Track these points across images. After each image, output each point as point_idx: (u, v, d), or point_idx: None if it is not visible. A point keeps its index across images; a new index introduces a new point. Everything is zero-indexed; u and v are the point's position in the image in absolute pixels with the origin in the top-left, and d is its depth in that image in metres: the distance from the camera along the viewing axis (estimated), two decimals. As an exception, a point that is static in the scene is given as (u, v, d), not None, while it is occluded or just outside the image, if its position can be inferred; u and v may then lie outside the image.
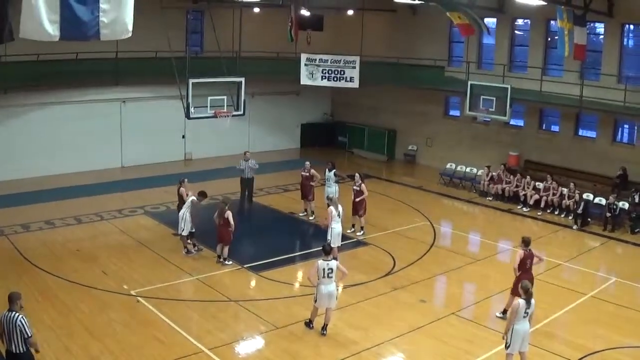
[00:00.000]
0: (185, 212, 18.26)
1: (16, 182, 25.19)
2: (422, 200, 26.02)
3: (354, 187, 20.84)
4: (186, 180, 19.70)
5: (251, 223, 23.43)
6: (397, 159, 33.97)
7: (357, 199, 20.65)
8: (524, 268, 14.47)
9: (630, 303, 16.11)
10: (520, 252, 14.58)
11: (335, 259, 14.64)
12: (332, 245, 17.25)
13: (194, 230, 18.52)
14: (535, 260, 14.66)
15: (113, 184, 26.56)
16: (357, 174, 21.16)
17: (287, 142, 35.52)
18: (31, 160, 26.26)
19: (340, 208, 18.43)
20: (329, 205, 18.53)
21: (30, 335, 10.06)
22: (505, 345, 11.84)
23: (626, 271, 18.50)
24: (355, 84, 28.34)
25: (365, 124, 35.00)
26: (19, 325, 9.94)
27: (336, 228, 17.98)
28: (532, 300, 11.74)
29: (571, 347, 13.63)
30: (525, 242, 14.63)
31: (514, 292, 14.62)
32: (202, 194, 18.56)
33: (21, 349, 10.03)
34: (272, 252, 19.03)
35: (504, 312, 14.86)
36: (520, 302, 11.63)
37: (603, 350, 13.52)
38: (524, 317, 11.71)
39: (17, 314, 10.04)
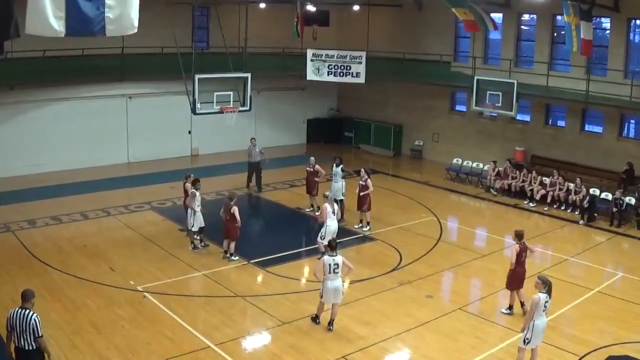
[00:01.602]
0: (193, 208, 18.26)
1: (22, 178, 25.31)
2: (429, 195, 25.99)
3: (360, 182, 20.85)
4: (192, 175, 19.70)
5: (258, 218, 23.54)
6: (403, 154, 33.94)
7: (362, 194, 20.66)
8: (519, 261, 14.71)
9: (637, 298, 16.05)
10: (515, 246, 14.73)
11: (323, 253, 14.62)
12: (323, 242, 17.21)
13: (203, 225, 18.55)
14: (528, 253, 14.85)
15: (119, 179, 26.63)
16: (362, 169, 21.17)
17: (293, 138, 35.49)
18: (37, 156, 26.41)
19: (335, 206, 18.46)
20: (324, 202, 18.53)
21: (41, 335, 10.08)
22: (524, 341, 11.75)
23: (633, 266, 18.45)
24: (362, 80, 28.26)
25: (372, 120, 34.95)
26: (32, 324, 9.96)
27: (331, 225, 17.88)
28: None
29: (577, 342, 13.60)
30: (519, 236, 14.78)
31: (510, 287, 14.87)
32: (195, 182, 18.61)
33: (32, 346, 10.06)
34: (278, 248, 19.02)
35: (510, 307, 14.90)
36: (540, 296, 11.54)
37: (609, 345, 13.49)
38: (543, 311, 11.68)
39: (32, 312, 10.07)
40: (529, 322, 11.64)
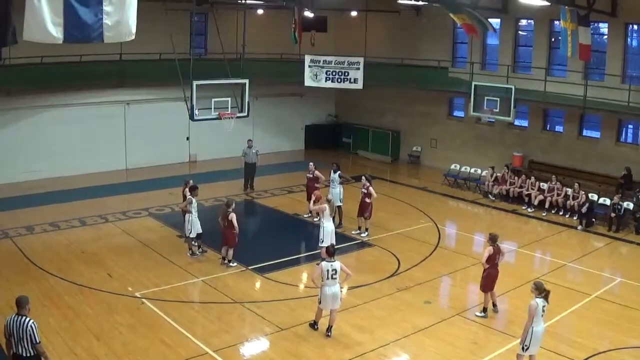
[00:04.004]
0: (191, 214, 18.25)
1: (20, 185, 25.30)
2: (427, 201, 26.00)
3: (362, 190, 20.78)
4: (191, 181, 19.67)
5: (256, 224, 23.52)
6: (401, 160, 33.94)
7: (367, 200, 20.59)
8: (492, 263, 14.96)
9: (635, 303, 16.06)
10: (489, 248, 14.98)
11: (323, 259, 14.65)
12: (323, 245, 17.30)
13: (201, 231, 18.53)
14: (501, 255, 15.22)
15: (117, 186, 26.60)
16: (363, 177, 21.12)
17: (291, 144, 35.51)
18: (35, 163, 26.35)
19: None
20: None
21: (38, 341, 10.06)
22: (523, 348, 11.77)
23: (631, 271, 18.46)
24: (359, 85, 28.28)
25: (370, 125, 34.95)
26: (29, 330, 9.93)
27: (328, 226, 17.91)
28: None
29: (576, 347, 13.59)
30: (493, 239, 15.07)
31: (484, 289, 15.11)
32: (192, 189, 18.66)
33: (30, 352, 10.03)
34: (276, 254, 18.99)
35: (484, 310, 15.14)
36: (537, 301, 11.58)
37: (608, 350, 13.49)
38: (541, 316, 11.70)
39: (28, 318, 10.04)
40: (527, 329, 11.64)
